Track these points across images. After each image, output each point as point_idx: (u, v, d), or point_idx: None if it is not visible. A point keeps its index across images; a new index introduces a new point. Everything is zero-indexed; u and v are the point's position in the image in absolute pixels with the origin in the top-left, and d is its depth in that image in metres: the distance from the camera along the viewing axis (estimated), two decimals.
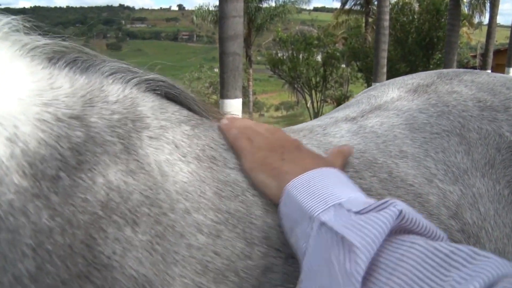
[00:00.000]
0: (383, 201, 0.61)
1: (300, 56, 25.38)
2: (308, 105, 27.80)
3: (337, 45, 28.45)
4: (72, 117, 0.68)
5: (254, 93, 34.48)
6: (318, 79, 26.30)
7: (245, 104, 22.85)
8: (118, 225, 0.65)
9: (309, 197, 0.67)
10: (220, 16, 6.62)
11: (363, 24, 27.87)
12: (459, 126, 1.00)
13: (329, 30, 29.48)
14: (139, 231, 0.66)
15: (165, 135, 0.75)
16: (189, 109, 0.84)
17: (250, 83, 23.48)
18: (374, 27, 15.00)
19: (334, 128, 1.01)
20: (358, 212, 0.61)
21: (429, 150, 0.96)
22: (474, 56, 30.10)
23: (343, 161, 0.86)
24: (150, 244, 0.66)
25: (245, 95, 23.31)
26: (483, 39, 21.78)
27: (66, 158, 0.65)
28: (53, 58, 0.74)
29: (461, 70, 1.20)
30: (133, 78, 0.79)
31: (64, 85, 0.71)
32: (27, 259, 0.60)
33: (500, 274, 0.48)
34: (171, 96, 0.83)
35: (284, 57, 25.92)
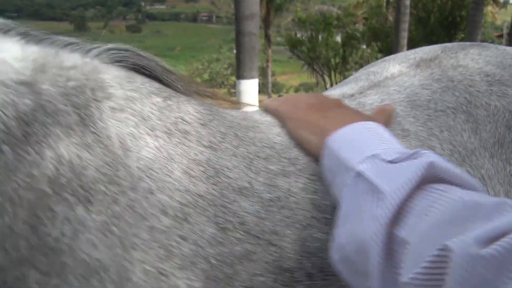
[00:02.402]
0: (414, 151, 0.63)
1: (320, 37, 25.11)
2: (328, 86, 27.54)
3: (357, 25, 28.06)
4: (20, 83, 0.62)
5: (273, 74, 34.34)
6: (337, 60, 26.03)
7: (264, 85, 22.76)
8: (68, 204, 0.59)
9: (347, 149, 0.69)
10: None
11: (384, 4, 27.36)
12: (465, 103, 0.93)
13: (350, 10, 29.00)
14: (93, 211, 0.60)
15: (131, 107, 0.68)
16: (162, 82, 0.77)
17: (269, 64, 23.34)
18: (395, 6, 14.70)
19: None
20: (390, 161, 0.63)
21: (433, 129, 0.90)
22: (499, 36, 29.40)
23: (386, 118, 0.85)
24: (106, 225, 0.60)
25: (264, 76, 23.21)
26: (509, 18, 21.21)
27: (11, 128, 0.58)
28: (2, 30, 0.68)
29: (468, 43, 1.11)
30: (93, 49, 0.72)
31: (13, 49, 0.65)
32: None
33: None
34: (139, 68, 0.76)
35: (303, 37, 25.67)
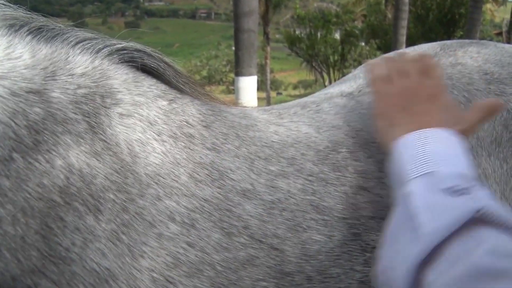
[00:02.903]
0: (471, 184, 0.61)
1: (318, 34, 25.07)
2: (326, 83, 27.50)
3: (356, 22, 28.02)
4: (30, 92, 0.61)
5: (272, 71, 34.29)
6: (336, 57, 25.97)
7: (262, 83, 22.71)
8: (78, 213, 0.59)
9: (409, 158, 0.67)
10: None
11: (383, 1, 27.31)
12: (463, 101, 0.93)
13: (348, 7, 28.96)
14: (102, 220, 0.60)
15: (139, 112, 0.68)
16: (169, 82, 0.77)
17: (268, 61, 23.28)
18: (394, 4, 14.69)
19: (328, 104, 0.93)
20: (445, 190, 0.60)
21: None
22: (498, 34, 29.37)
23: (482, 118, 0.77)
24: (115, 234, 0.60)
25: (262, 73, 23.16)
26: (509, 16, 21.17)
27: (21, 137, 0.58)
28: (14, 25, 0.66)
29: (467, 41, 1.11)
30: (104, 48, 0.71)
31: (24, 55, 0.64)
32: None
33: None
34: (148, 68, 0.75)
35: (302, 34, 25.62)
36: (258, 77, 6.88)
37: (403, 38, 12.03)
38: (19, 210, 0.56)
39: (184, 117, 0.73)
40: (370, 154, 0.83)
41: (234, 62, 6.71)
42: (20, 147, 0.57)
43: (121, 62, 0.72)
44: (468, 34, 12.43)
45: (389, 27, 21.05)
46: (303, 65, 30.59)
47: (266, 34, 23.06)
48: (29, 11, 0.70)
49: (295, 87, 49.14)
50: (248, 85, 6.46)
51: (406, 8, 12.04)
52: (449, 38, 21.42)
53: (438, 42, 1.13)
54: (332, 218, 0.74)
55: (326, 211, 0.74)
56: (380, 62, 0.85)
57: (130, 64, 0.73)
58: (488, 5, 25.88)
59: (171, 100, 0.73)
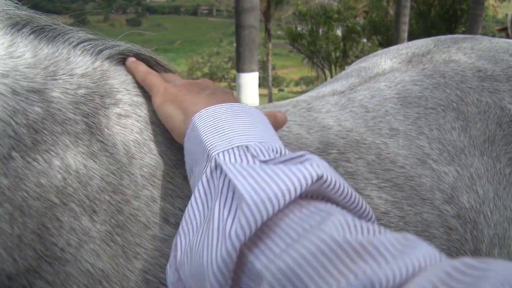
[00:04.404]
0: (298, 154, 0.50)
1: (320, 30, 25.05)
2: (328, 80, 27.48)
3: (357, 18, 27.96)
4: (31, 91, 0.61)
5: (273, 68, 34.23)
6: (338, 53, 25.96)
7: (264, 79, 22.71)
8: (74, 214, 0.58)
9: (213, 132, 0.54)
10: None
11: None
12: (456, 100, 0.92)
13: (350, 3, 28.91)
14: (97, 221, 0.59)
15: (137, 112, 0.68)
16: None
17: (269, 57, 23.25)
18: (395, 0, 14.66)
19: (320, 102, 0.92)
20: (265, 161, 0.49)
21: (423, 127, 0.89)
22: (501, 30, 29.27)
23: (273, 125, 0.70)
24: (110, 235, 0.60)
25: (264, 70, 23.14)
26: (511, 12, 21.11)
27: (21, 136, 0.57)
28: (17, 24, 0.66)
29: (461, 36, 1.11)
30: (105, 50, 0.71)
31: (25, 55, 0.64)
32: None
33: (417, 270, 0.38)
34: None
35: (304, 31, 25.60)
36: (259, 73, 6.88)
37: (404, 34, 12.02)
38: (16, 209, 0.55)
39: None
40: (360, 155, 0.83)
41: (236, 59, 6.72)
42: (19, 146, 0.57)
43: (122, 64, 0.73)
44: (470, 30, 12.42)
45: (391, 23, 21.03)
46: (305, 61, 30.57)
47: (267, 30, 23.03)
48: (31, 9, 0.69)
49: (297, 84, 49.11)
50: (249, 82, 6.46)
51: (407, 4, 12.03)
52: (451, 34, 21.29)
53: (432, 38, 1.13)
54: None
55: None
56: (137, 61, 0.73)
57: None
58: (491, 1, 25.81)
59: None
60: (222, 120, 0.56)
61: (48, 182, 0.58)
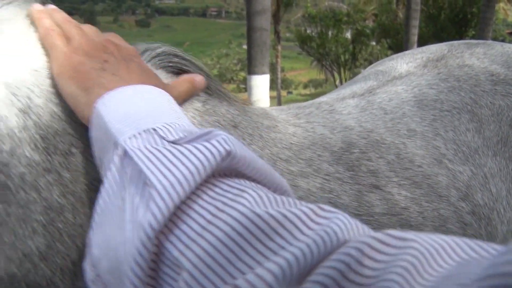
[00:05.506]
0: (206, 130, 0.48)
1: (329, 33, 25.04)
2: (337, 83, 27.47)
3: (367, 21, 27.92)
4: None
5: (282, 70, 34.25)
6: (347, 56, 25.96)
7: (273, 81, 22.72)
8: None
9: (119, 117, 0.51)
10: None
11: (394, 0, 27.20)
12: (470, 102, 0.97)
13: (359, 6, 28.88)
14: None
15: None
16: None
17: (279, 60, 23.28)
18: (405, 3, 14.64)
19: (341, 104, 0.97)
20: (173, 142, 0.47)
21: (439, 129, 0.93)
22: (511, 33, 29.11)
23: (188, 90, 0.71)
24: None
25: (273, 72, 23.16)
26: None
27: (79, 134, 0.62)
28: None
29: (474, 41, 1.15)
30: (147, 51, 0.75)
31: None
32: (37, 236, 0.58)
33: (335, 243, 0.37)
34: (183, 72, 0.77)
35: (313, 33, 25.61)
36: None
37: (414, 38, 12.00)
38: (78, 200, 0.60)
39: (216, 118, 0.76)
40: (380, 154, 0.87)
41: (247, 61, 6.75)
42: (78, 143, 0.62)
43: (161, 67, 0.75)
44: (481, 34, 12.36)
45: (400, 26, 20.97)
46: (313, 64, 30.56)
47: (277, 33, 23.07)
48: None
49: (305, 86, 49.08)
50: (260, 84, 6.49)
51: (418, 7, 12.00)
52: (461, 37, 21.27)
53: (446, 43, 1.16)
54: (348, 214, 0.79)
55: (342, 208, 0.78)
56: (43, 11, 0.65)
57: (168, 69, 0.76)
58: (501, 4, 25.65)
59: (204, 101, 0.77)
60: (126, 104, 0.53)
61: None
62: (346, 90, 1.08)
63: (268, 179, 0.50)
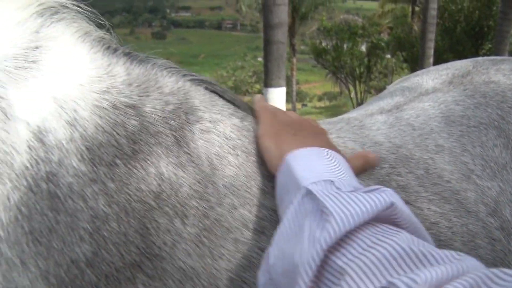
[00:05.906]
0: (375, 186, 0.61)
1: (344, 46, 25.05)
2: (352, 95, 27.44)
3: (382, 34, 27.88)
4: (128, 106, 0.69)
5: (297, 83, 34.30)
6: (362, 69, 25.85)
7: (288, 94, 22.75)
8: (169, 217, 0.66)
9: (304, 168, 0.66)
10: (265, 3, 6.63)
11: (410, 13, 27.16)
12: (497, 118, 0.97)
13: (375, 19, 28.90)
14: (188, 224, 0.67)
15: (217, 128, 0.75)
16: (234, 105, 0.84)
17: (294, 72, 23.36)
18: (421, 16, 14.62)
19: (370, 120, 0.99)
20: (350, 191, 0.59)
21: (466, 144, 0.94)
22: None
23: (363, 165, 0.82)
24: (198, 237, 0.67)
25: (288, 85, 23.21)
26: None
27: (122, 145, 0.66)
28: (110, 48, 0.75)
29: (498, 58, 1.16)
30: (187, 75, 0.79)
31: (121, 73, 0.72)
32: (84, 243, 0.61)
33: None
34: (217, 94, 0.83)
35: (328, 46, 25.64)
36: None
37: (430, 51, 11.96)
38: (122, 210, 0.63)
39: (254, 134, 0.80)
40: (409, 169, 0.88)
41: (264, 74, 6.79)
42: (121, 154, 0.65)
43: (198, 85, 0.81)
44: (497, 47, 12.27)
45: (415, 39, 20.91)
46: (328, 76, 30.55)
47: (292, 45, 23.17)
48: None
49: (320, 99, 49.02)
50: (277, 97, 6.52)
51: (434, 21, 11.97)
52: (477, 50, 21.11)
53: (470, 59, 1.18)
54: None
55: None
56: (261, 99, 0.88)
57: (204, 88, 0.81)
58: None
59: (242, 118, 0.81)
60: (311, 160, 0.68)
61: (146, 188, 0.66)
62: (373, 106, 1.10)
63: (419, 233, 0.60)
